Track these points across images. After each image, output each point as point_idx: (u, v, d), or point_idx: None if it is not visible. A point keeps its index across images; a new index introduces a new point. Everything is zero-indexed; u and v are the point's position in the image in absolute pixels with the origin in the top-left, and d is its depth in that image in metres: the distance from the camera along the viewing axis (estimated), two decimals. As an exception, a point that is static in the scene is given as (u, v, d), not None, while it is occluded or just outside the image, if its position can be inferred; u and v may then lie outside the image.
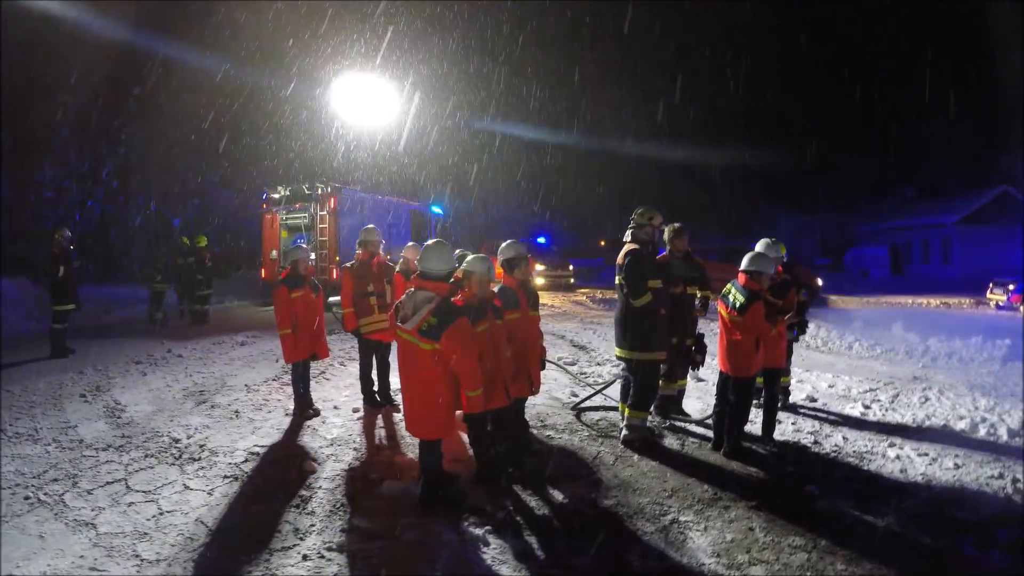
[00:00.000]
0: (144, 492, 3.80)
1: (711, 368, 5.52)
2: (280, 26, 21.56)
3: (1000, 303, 14.86)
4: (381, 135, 22.23)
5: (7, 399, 5.84)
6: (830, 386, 6.55)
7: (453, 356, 3.35)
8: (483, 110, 28.66)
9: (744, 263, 4.45)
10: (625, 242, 4.71)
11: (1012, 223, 24.37)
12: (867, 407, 5.70)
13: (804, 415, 5.53)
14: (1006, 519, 3.51)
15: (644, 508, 3.62)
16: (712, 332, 5.64)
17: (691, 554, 3.13)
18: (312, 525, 3.38)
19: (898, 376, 7.14)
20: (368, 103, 19.37)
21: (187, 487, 3.89)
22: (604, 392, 5.95)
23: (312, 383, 5.74)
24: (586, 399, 5.86)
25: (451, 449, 4.16)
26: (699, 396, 6.07)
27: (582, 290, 19.89)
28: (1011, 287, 14.71)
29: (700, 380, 6.50)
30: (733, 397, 4.46)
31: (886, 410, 5.66)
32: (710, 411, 4.92)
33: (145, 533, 3.29)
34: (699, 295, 5.32)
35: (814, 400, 5.98)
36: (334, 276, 11.58)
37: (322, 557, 3.05)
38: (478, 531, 3.28)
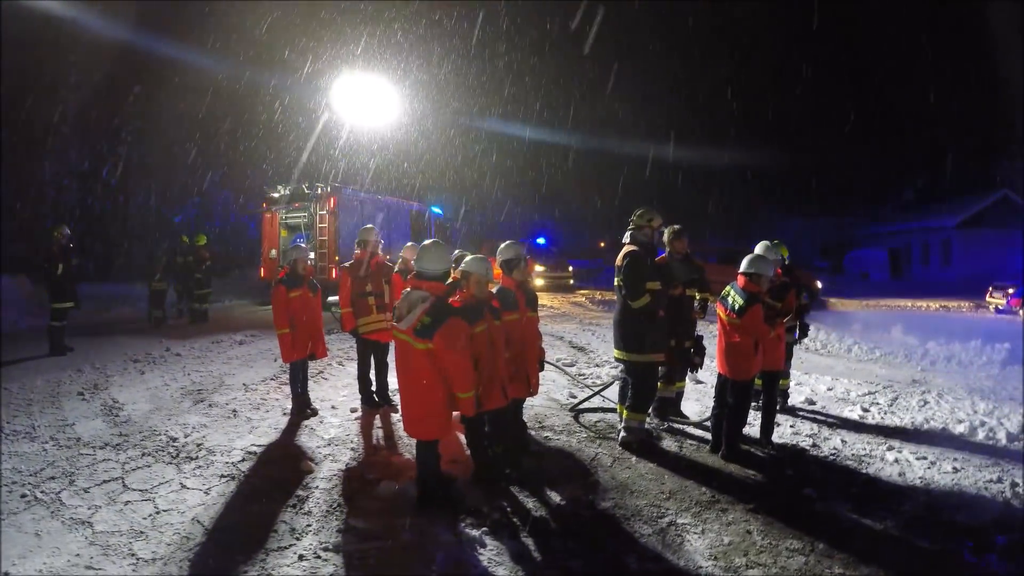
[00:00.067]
0: (141, 491, 3.79)
1: (710, 370, 5.51)
2: (280, 26, 21.59)
3: (1000, 307, 14.86)
4: (382, 136, 22.26)
5: (5, 396, 5.84)
6: (829, 389, 6.55)
7: (445, 356, 3.34)
8: (483, 111, 28.72)
9: (743, 265, 4.45)
10: (624, 243, 4.71)
11: (1012, 227, 24.36)
12: (866, 410, 5.70)
13: (803, 418, 5.52)
14: (1004, 523, 3.50)
15: (641, 510, 3.61)
16: (711, 334, 5.64)
17: (688, 557, 3.13)
18: (308, 525, 3.38)
19: (897, 379, 7.13)
20: (368, 104, 19.38)
21: (184, 486, 3.88)
22: (602, 394, 5.94)
23: (310, 383, 5.73)
24: (584, 400, 5.85)
25: (449, 450, 4.16)
26: (697, 398, 6.06)
27: (581, 291, 19.89)
28: (1011, 291, 14.70)
29: (699, 382, 6.49)
30: (732, 399, 4.45)
31: (885, 413, 5.66)
32: (708, 413, 4.92)
33: (141, 532, 3.29)
34: (698, 297, 5.32)
35: (813, 403, 5.97)
36: (333, 276, 11.59)
37: (318, 557, 3.04)
38: (475, 532, 3.27)
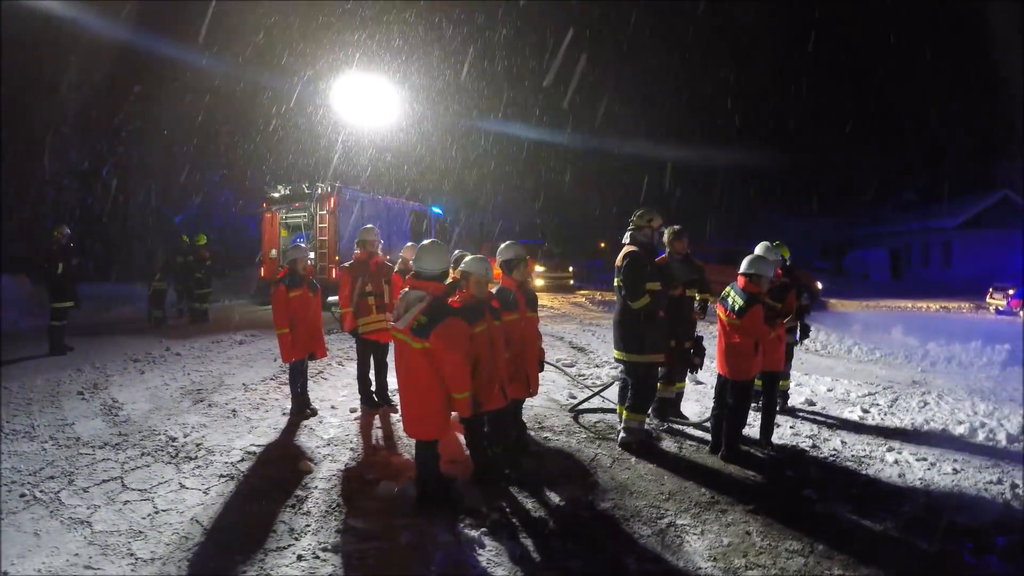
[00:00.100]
0: (140, 490, 3.79)
1: (710, 371, 5.51)
2: (280, 27, 21.60)
3: (1000, 307, 14.84)
4: (382, 136, 22.27)
5: (5, 396, 5.84)
6: (829, 390, 6.54)
7: (442, 356, 3.34)
8: (482, 112, 28.71)
9: (743, 266, 4.44)
10: (624, 244, 4.71)
11: (1012, 227, 24.33)
12: (866, 411, 5.69)
13: (802, 419, 5.52)
14: (1004, 524, 3.50)
15: (641, 511, 3.61)
16: (711, 335, 5.63)
17: (688, 558, 3.12)
18: (308, 525, 3.37)
19: (897, 380, 7.13)
20: (369, 104, 19.41)
21: (183, 486, 3.88)
22: (602, 394, 5.94)
23: (310, 383, 5.73)
24: (584, 401, 5.85)
25: (448, 450, 4.16)
26: (697, 399, 6.06)
27: (581, 292, 19.89)
28: (1011, 292, 14.69)
29: (698, 383, 6.49)
30: (731, 400, 4.45)
31: (885, 414, 5.65)
32: (708, 414, 4.91)
33: (140, 531, 3.28)
34: (698, 297, 5.32)
35: (813, 404, 5.97)
36: (333, 275, 11.58)
37: (317, 557, 3.04)
38: (474, 533, 3.27)
